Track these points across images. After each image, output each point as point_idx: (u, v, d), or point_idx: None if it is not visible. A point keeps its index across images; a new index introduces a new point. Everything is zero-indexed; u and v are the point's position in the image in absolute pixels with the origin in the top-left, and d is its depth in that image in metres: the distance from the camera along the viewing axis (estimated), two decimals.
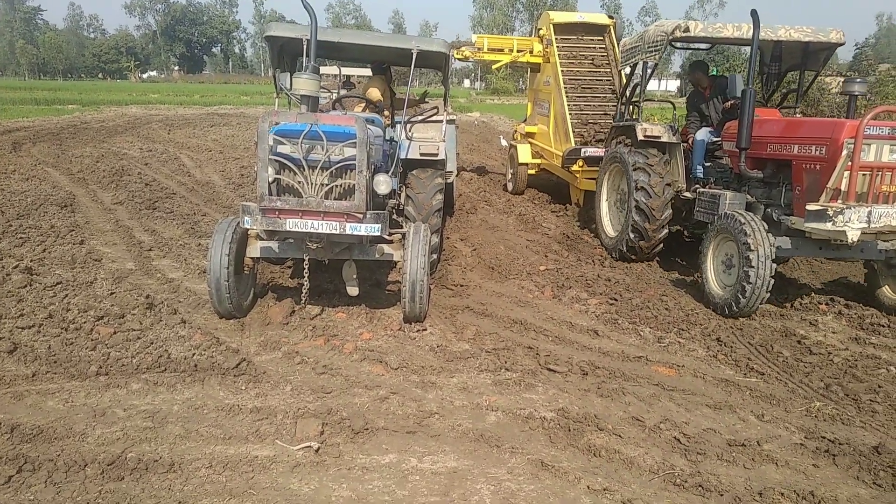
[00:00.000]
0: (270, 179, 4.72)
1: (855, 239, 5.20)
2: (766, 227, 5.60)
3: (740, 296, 5.53)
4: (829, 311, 6.03)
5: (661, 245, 7.46)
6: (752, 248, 5.42)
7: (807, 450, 3.58)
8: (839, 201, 5.33)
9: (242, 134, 19.10)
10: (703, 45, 8.27)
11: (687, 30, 6.67)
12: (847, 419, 3.95)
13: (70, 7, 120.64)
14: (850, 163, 5.24)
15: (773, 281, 5.46)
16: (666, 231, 7.31)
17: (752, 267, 5.41)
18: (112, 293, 5.64)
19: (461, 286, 6.47)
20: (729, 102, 7.25)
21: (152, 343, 4.67)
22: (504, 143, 15.31)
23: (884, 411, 4.06)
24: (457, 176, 9.65)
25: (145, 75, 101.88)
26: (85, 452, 3.28)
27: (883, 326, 5.60)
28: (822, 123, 5.86)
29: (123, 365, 4.31)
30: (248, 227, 4.85)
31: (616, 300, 6.22)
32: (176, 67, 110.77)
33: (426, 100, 8.21)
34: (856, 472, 3.35)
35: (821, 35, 6.67)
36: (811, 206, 5.34)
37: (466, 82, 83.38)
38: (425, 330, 5.21)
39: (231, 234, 5.08)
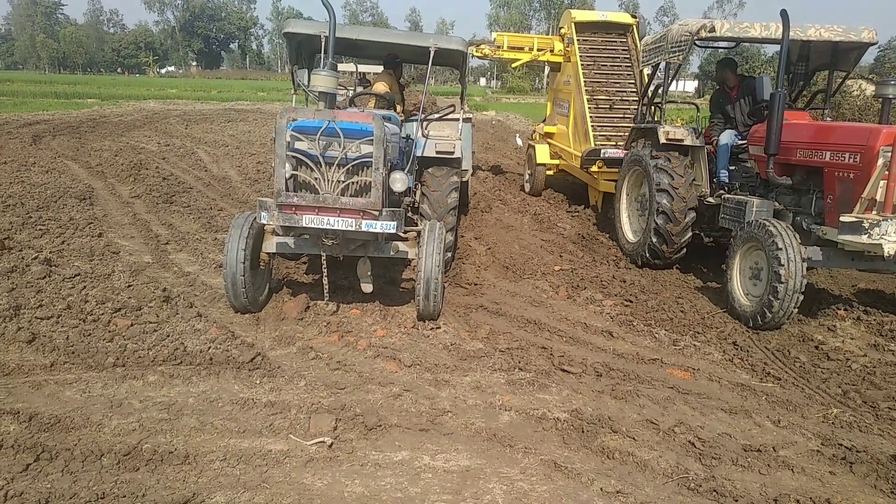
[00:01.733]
0: (287, 175, 4.74)
1: (892, 252, 4.99)
2: (798, 240, 5.35)
3: (767, 310, 5.33)
4: (848, 317, 5.95)
5: (683, 252, 7.23)
6: (783, 261, 5.19)
7: (823, 457, 3.54)
8: (874, 212, 5.13)
9: (259, 130, 19.21)
10: (726, 45, 8.06)
11: (713, 29, 6.47)
12: (865, 427, 3.90)
13: (90, 2, 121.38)
14: (886, 172, 5.03)
15: (802, 296, 5.25)
16: (689, 236, 7.07)
17: (782, 282, 5.18)
18: (129, 286, 5.69)
19: (475, 285, 6.46)
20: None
21: (168, 336, 4.71)
22: (519, 142, 15.23)
23: None
24: (472, 174, 9.64)
25: (163, 70, 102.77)
26: (101, 442, 3.31)
27: None
28: (856, 129, 5.60)
29: (140, 357, 4.35)
30: (265, 222, 4.88)
31: (631, 302, 6.18)
32: (194, 63, 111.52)
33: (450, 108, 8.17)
34: (873, 480, 3.31)
35: (852, 34, 6.43)
36: (845, 218, 5.12)
37: (482, 81, 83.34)
38: (439, 328, 5.22)
39: (247, 230, 5.11)
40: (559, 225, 9.37)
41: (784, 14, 5.90)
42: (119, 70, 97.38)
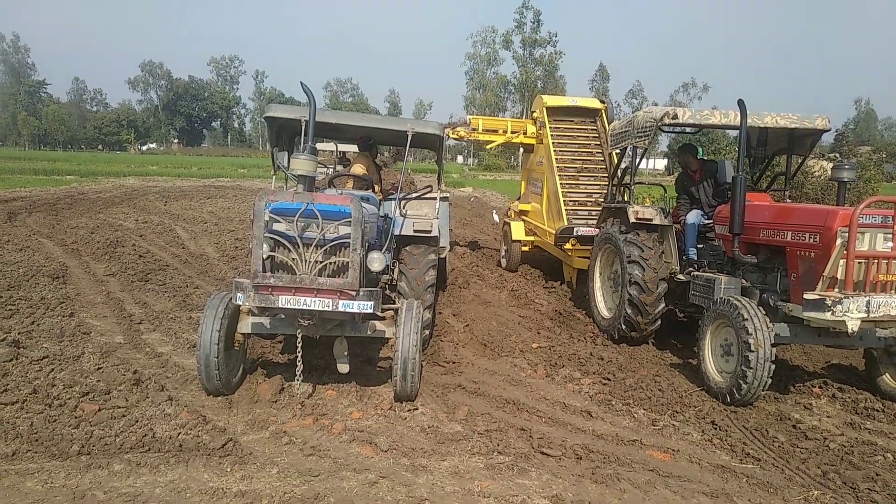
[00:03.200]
0: (265, 256, 4.76)
1: (855, 329, 5.10)
2: (765, 313, 5.50)
3: (742, 381, 5.39)
4: (823, 395, 5.99)
5: (657, 324, 7.32)
6: (752, 335, 5.32)
7: None
8: (836, 290, 5.29)
9: (238, 206, 19.32)
10: (690, 130, 8.44)
11: (675, 116, 6.81)
12: None
13: (74, 81, 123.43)
14: (845, 252, 5.20)
15: (773, 369, 5.34)
16: (663, 307, 7.19)
17: (752, 354, 5.29)
18: (99, 368, 5.56)
19: (453, 363, 6.41)
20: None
21: (137, 421, 4.57)
22: (496, 217, 15.48)
23: (883, 500, 3.98)
24: (450, 250, 9.72)
25: (144, 147, 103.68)
26: None
27: (878, 411, 5.56)
28: (814, 211, 5.82)
29: (106, 444, 4.20)
30: (241, 303, 4.85)
31: (609, 380, 6.17)
32: (175, 140, 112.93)
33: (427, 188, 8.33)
34: None
35: (806, 122, 6.83)
36: (808, 296, 5.27)
37: (459, 158, 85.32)
38: (416, 409, 5.14)
39: (223, 310, 5.07)
40: (536, 301, 9.42)
41: (741, 104, 6.20)
42: (100, 147, 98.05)
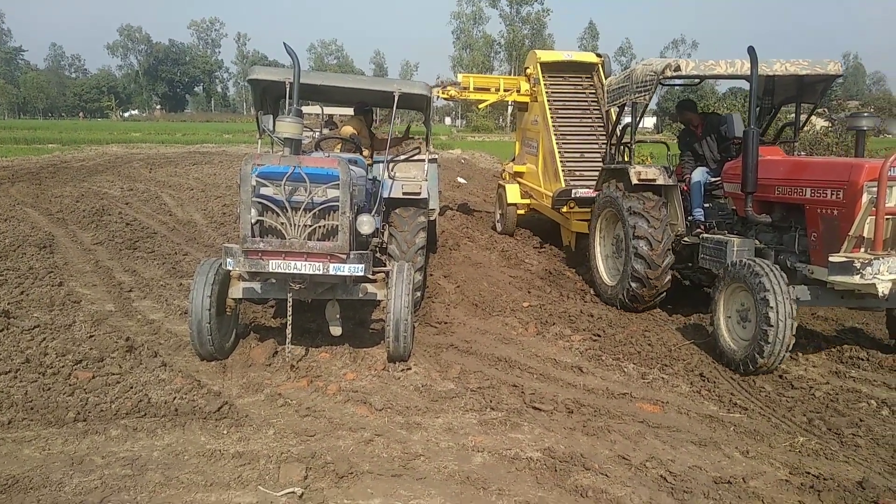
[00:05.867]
0: (253, 221, 4.73)
1: (886, 292, 4.79)
2: (785, 278, 5.11)
3: (758, 355, 5.06)
4: (809, 345, 6.09)
5: (663, 296, 6.99)
6: (772, 304, 4.93)
7: (792, 486, 3.58)
8: (863, 250, 4.96)
9: (224, 172, 19.12)
10: (690, 83, 7.97)
11: (678, 68, 6.40)
12: (831, 454, 3.97)
13: (52, 47, 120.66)
14: (873, 209, 4.82)
15: (794, 339, 5.03)
16: (669, 279, 6.86)
17: (772, 325, 4.93)
18: (91, 336, 5.56)
19: (445, 323, 6.46)
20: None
21: (132, 387, 4.60)
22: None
23: (866, 445, 4.08)
24: (440, 213, 9.70)
25: (126, 114, 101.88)
26: (62, 503, 3.20)
27: (862, 360, 5.66)
28: (837, 165, 5.41)
29: (102, 410, 4.23)
30: (231, 268, 4.84)
31: (599, 336, 6.24)
32: (158, 106, 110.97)
33: (410, 136, 8.27)
34: None
35: (818, 67, 6.41)
36: (835, 258, 4.92)
37: (448, 120, 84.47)
38: (409, 369, 5.19)
39: (213, 276, 5.06)
40: (527, 261, 9.46)
41: (752, 50, 5.85)
42: (81, 114, 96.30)
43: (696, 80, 7.76)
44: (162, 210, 12.37)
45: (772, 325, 4.94)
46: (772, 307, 4.94)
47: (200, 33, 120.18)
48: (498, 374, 5.20)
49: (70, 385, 4.58)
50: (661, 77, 6.51)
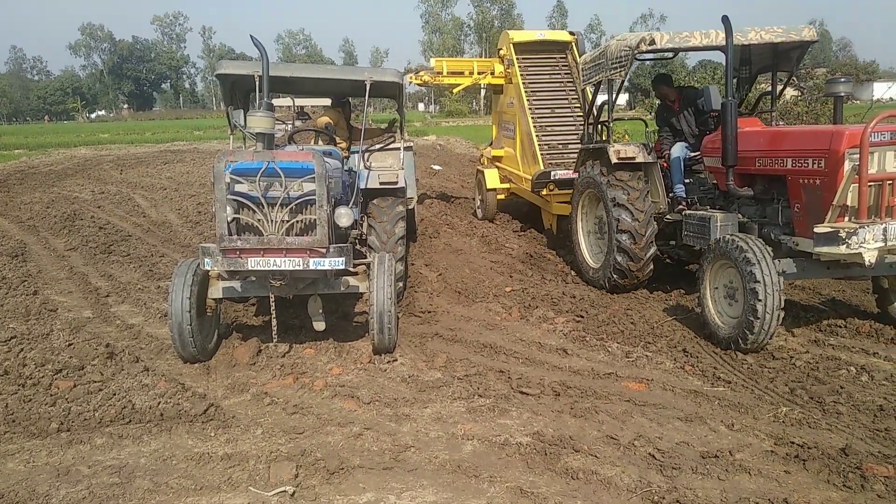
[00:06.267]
0: (229, 219, 4.67)
1: (872, 261, 4.74)
2: (771, 252, 5.05)
3: (748, 331, 5.01)
4: (788, 315, 6.15)
5: (650, 269, 6.91)
6: (759, 278, 4.87)
7: (777, 456, 3.64)
8: (847, 219, 4.90)
9: (197, 170, 18.86)
10: (666, 57, 7.83)
11: (653, 42, 6.28)
12: (813, 423, 4.04)
13: (12, 50, 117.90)
14: (856, 176, 4.75)
15: (783, 313, 4.98)
16: (654, 251, 6.79)
17: (760, 300, 4.87)
18: (70, 344, 5.47)
19: (429, 312, 6.46)
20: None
21: (115, 394, 4.54)
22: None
23: (847, 412, 4.16)
24: (417, 201, 9.66)
25: (93, 115, 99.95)
26: None
27: (840, 327, 5.76)
28: (817, 133, 5.32)
29: (86, 419, 4.17)
30: (209, 268, 4.78)
31: (582, 317, 6.28)
32: (125, 105, 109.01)
33: (393, 129, 8.17)
34: (826, 475, 3.42)
35: (793, 34, 6.28)
36: (819, 228, 4.87)
37: (421, 106, 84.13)
38: (395, 360, 5.18)
39: (191, 277, 4.99)
40: (507, 245, 9.47)
41: (726, 20, 5.74)
42: (46, 118, 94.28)
43: (671, 54, 7.62)
44: (135, 212, 12.18)
45: (760, 300, 4.89)
46: (759, 282, 4.89)
47: (164, 28, 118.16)
48: (484, 361, 5.22)
49: (51, 395, 4.51)
50: (636, 52, 6.40)
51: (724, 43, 5.92)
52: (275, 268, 4.71)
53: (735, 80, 6.69)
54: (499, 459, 3.68)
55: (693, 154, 6.94)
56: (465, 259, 8.58)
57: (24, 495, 3.34)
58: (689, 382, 4.78)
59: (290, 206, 4.72)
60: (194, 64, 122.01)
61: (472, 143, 27.27)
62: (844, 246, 4.73)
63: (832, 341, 5.50)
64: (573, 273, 7.99)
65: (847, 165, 4.87)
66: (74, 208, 12.13)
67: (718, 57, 6.33)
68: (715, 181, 6.51)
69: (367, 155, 7.06)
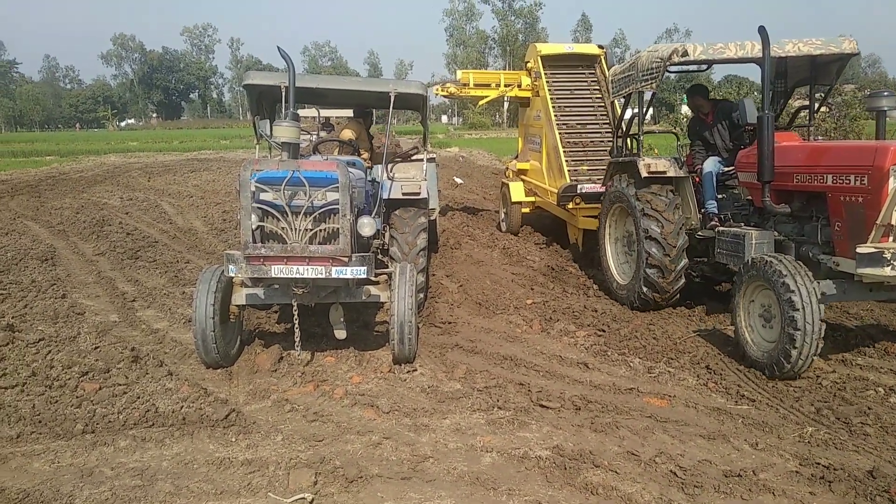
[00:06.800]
0: (254, 227, 4.73)
1: None
2: (811, 275, 4.82)
3: (784, 360, 4.78)
4: None
5: (682, 283, 6.71)
6: (798, 306, 4.64)
7: (802, 477, 3.58)
8: (891, 239, 4.69)
9: (223, 178, 19.12)
10: (697, 69, 7.54)
11: (685, 53, 6.12)
12: (840, 443, 3.96)
13: (46, 59, 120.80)
14: None
15: (822, 342, 4.76)
16: (684, 266, 6.61)
17: (798, 329, 4.64)
18: (96, 347, 5.56)
19: (449, 323, 6.46)
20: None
21: (139, 397, 4.60)
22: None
23: (875, 434, 4.08)
24: (439, 212, 9.68)
25: (123, 123, 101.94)
26: None
27: (868, 347, 5.65)
28: (859, 148, 5.16)
29: (110, 422, 4.23)
30: (233, 275, 4.84)
31: (604, 331, 6.24)
32: (154, 115, 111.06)
33: (413, 150, 8.21)
34: (852, 497, 3.35)
35: (832, 46, 6.07)
36: (862, 249, 4.62)
37: (444, 118, 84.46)
38: (415, 370, 5.19)
39: (216, 283, 5.05)
40: (528, 258, 9.44)
41: (762, 31, 5.55)
42: (77, 125, 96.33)
43: (704, 67, 7.38)
44: (162, 218, 12.37)
45: (798, 329, 4.66)
46: (798, 310, 4.66)
47: (194, 40, 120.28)
48: (504, 373, 5.20)
49: (77, 397, 4.58)
50: (668, 63, 6.23)
51: (759, 55, 5.74)
52: (298, 276, 4.75)
53: (771, 94, 6.47)
54: (518, 472, 3.66)
55: (726, 169, 6.73)
56: (486, 271, 8.58)
57: (49, 495, 3.39)
58: (712, 400, 4.72)
59: (313, 215, 4.77)
60: (222, 75, 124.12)
61: (494, 156, 27.32)
62: (889, 268, 4.51)
63: (860, 361, 5.39)
64: (595, 287, 7.94)
65: (892, 183, 4.66)
66: (103, 214, 12.36)
67: (746, 71, 6.16)
68: (749, 197, 6.33)
69: (390, 165, 7.10)
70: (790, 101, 7.60)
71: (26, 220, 11.86)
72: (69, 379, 4.85)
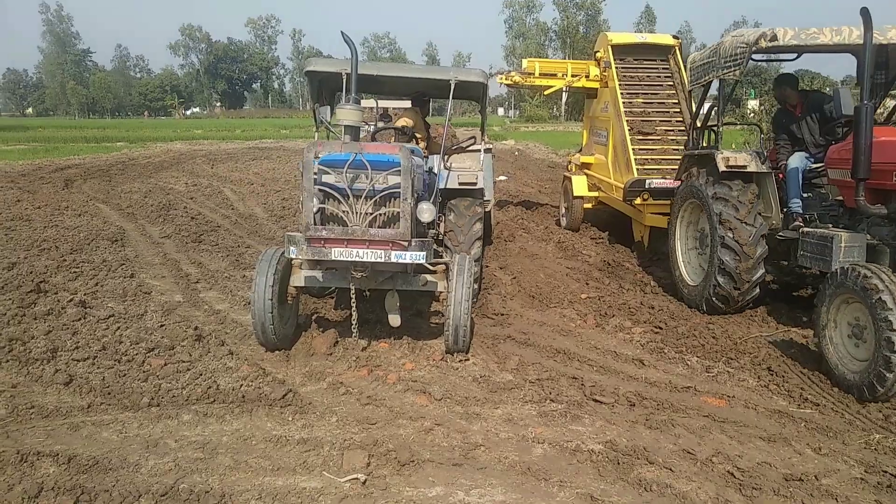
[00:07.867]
0: (315, 209, 4.81)
1: None
2: None
3: (877, 384, 4.30)
4: None
5: (756, 293, 6.34)
6: (892, 314, 4.18)
7: (868, 484, 3.44)
8: None
9: (283, 167, 19.54)
10: (786, 58, 7.09)
11: (774, 38, 5.67)
12: None
13: (117, 48, 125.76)
14: None
15: None
16: (762, 273, 6.19)
17: (895, 352, 4.18)
18: (162, 325, 5.78)
19: (502, 315, 6.45)
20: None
21: (201, 374, 4.76)
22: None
23: None
24: (494, 204, 9.64)
25: (188, 112, 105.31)
26: (139, 483, 3.34)
27: None
28: None
29: (174, 396, 4.39)
30: (294, 256, 4.92)
31: (661, 328, 6.12)
32: (218, 104, 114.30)
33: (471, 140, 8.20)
34: None
35: None
36: None
37: (500, 111, 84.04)
38: (468, 360, 5.20)
39: (275, 265, 5.15)
40: (584, 252, 9.33)
41: (865, 13, 5.04)
42: (145, 113, 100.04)
43: (792, 56, 6.80)
44: (224, 204, 12.73)
45: (894, 336, 4.20)
46: (893, 321, 4.19)
47: (257, 31, 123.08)
48: (557, 366, 5.16)
49: (144, 371, 4.78)
50: (754, 49, 5.81)
51: (858, 42, 5.25)
52: (357, 259, 4.80)
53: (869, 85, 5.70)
54: (569, 465, 3.64)
55: (814, 165, 6.29)
56: (541, 264, 8.52)
57: (116, 463, 3.55)
58: (773, 402, 4.57)
59: (374, 199, 4.82)
60: (283, 65, 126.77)
61: (550, 149, 27.07)
62: None
63: None
64: (653, 284, 7.79)
65: None
66: (169, 199, 12.80)
67: (816, 65, 5.74)
68: (840, 196, 5.89)
69: (447, 156, 7.12)
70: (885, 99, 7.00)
71: (98, 202, 12.38)
72: (136, 354, 5.06)
